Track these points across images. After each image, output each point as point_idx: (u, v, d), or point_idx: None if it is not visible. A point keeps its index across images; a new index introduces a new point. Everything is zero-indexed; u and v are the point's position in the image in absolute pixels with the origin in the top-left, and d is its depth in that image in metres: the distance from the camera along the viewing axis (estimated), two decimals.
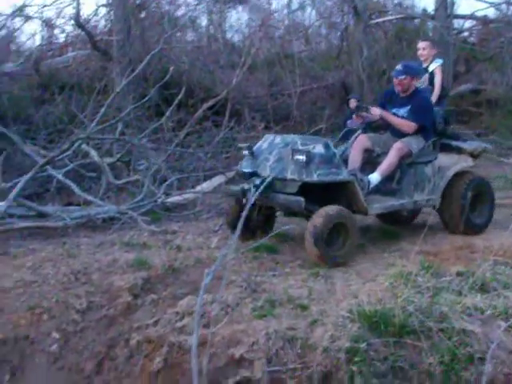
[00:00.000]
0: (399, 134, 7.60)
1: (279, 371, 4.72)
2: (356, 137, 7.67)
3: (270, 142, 7.27)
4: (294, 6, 18.52)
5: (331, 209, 6.60)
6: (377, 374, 4.59)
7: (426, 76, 8.87)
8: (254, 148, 7.33)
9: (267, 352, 4.78)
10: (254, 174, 7.00)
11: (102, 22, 15.85)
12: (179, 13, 15.53)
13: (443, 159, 7.86)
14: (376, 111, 7.57)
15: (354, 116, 8.03)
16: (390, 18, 17.69)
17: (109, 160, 10.30)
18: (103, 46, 14.02)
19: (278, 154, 6.98)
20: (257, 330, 4.95)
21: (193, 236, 7.75)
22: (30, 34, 16.31)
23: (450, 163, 7.91)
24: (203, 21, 16.57)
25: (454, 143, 8.11)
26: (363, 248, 6.99)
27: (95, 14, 15.73)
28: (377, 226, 8.10)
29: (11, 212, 7.95)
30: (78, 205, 8.85)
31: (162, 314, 5.46)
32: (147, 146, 10.82)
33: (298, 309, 5.41)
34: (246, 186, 6.92)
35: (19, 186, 7.91)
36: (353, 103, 10.39)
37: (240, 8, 17.27)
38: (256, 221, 7.43)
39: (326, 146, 6.81)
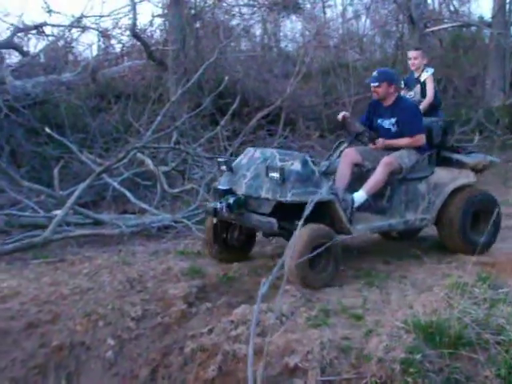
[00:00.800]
0: (391, 147, 7.15)
1: (333, 381, 4.70)
2: (342, 150, 7.20)
3: (249, 157, 6.89)
4: (349, 14, 18.54)
5: (312, 229, 6.16)
6: None
7: (418, 87, 8.42)
8: (234, 163, 6.96)
9: (321, 361, 4.77)
10: (228, 192, 6.65)
11: (158, 32, 16.04)
12: (234, 22, 15.63)
13: (441, 174, 7.27)
14: (381, 143, 7.13)
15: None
16: (445, 26, 17.49)
17: (164, 169, 10.39)
18: (159, 55, 14.14)
19: (255, 171, 6.64)
20: (311, 339, 4.94)
21: None
22: (87, 45, 16.47)
23: (449, 179, 7.30)
24: (257, 30, 16.65)
25: (455, 156, 7.50)
26: (418, 259, 6.85)
27: (151, 25, 15.92)
28: (432, 236, 7.90)
29: (68, 220, 8.07)
30: (134, 213, 8.95)
31: (216, 322, 5.48)
32: (202, 154, 10.89)
33: (353, 319, 5.39)
34: (218, 205, 6.53)
35: (76, 194, 8.03)
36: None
37: (294, 17, 17.29)
38: (236, 240, 7.09)
39: (304, 163, 6.36)
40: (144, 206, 9.03)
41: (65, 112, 12.13)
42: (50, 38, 16.03)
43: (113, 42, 16.70)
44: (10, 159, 10.95)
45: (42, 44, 16.05)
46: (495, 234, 7.34)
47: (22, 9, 21.01)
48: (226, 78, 11.45)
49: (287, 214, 6.30)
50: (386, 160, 6.87)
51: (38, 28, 15.77)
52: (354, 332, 5.10)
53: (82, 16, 15.93)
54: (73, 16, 15.88)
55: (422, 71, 8.43)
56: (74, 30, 16.39)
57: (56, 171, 9.44)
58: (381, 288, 6.10)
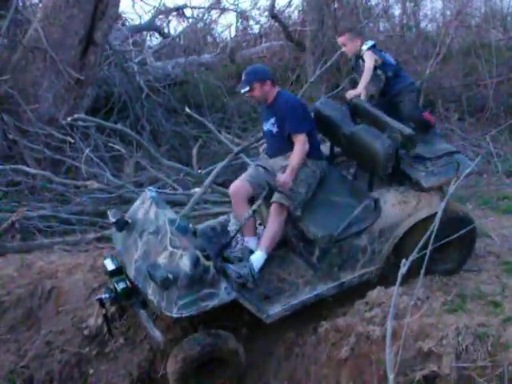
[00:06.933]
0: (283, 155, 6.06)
1: (468, 368, 4.62)
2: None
3: (144, 212, 5.65)
4: None
5: (198, 339, 5.14)
6: None
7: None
8: (130, 213, 5.82)
9: (456, 347, 4.71)
10: (117, 273, 5.48)
11: (296, 13, 16.07)
12: (372, 2, 15.44)
13: (389, 213, 5.73)
14: (281, 181, 5.68)
15: None
16: None
17: None
18: (297, 36, 14.18)
19: (146, 245, 5.37)
20: (446, 324, 4.88)
21: None
22: (226, 26, 16.72)
23: (401, 216, 5.74)
24: (396, 10, 16.38)
25: (414, 175, 5.86)
26: None
27: (289, 5, 15.96)
28: None
29: (206, 198, 8.23)
30: None
31: (350, 304, 5.49)
32: None
33: (490, 305, 5.28)
34: (102, 296, 5.44)
35: (214, 172, 8.16)
36: None
37: None
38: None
39: (195, 262, 4.91)
40: None
41: (204, 92, 12.36)
42: (190, 20, 16.38)
43: (251, 23, 16.90)
44: (151, 138, 11.25)
45: (182, 26, 16.43)
46: (464, 260, 6.13)
47: None
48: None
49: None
50: (275, 207, 5.68)
51: (179, 10, 16.15)
52: (490, 319, 4.99)
53: None
54: None
55: (361, 51, 6.95)
56: (213, 12, 16.70)
57: (195, 150, 9.68)
58: None
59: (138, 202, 5.85)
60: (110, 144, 9.86)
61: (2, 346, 6.01)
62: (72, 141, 9.35)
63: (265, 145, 6.68)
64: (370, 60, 6.79)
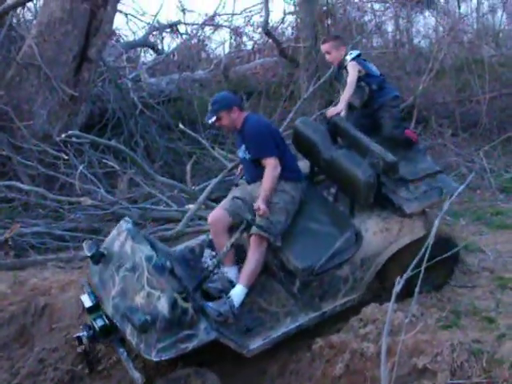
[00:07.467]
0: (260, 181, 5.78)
1: None
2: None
3: (120, 244, 5.43)
4: (484, 9, 18.03)
5: (178, 380, 4.96)
6: None
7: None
8: (106, 244, 5.61)
9: (451, 364, 4.69)
10: (95, 308, 5.26)
11: (289, 30, 16.12)
12: (366, 18, 15.52)
13: (370, 241, 5.64)
14: (261, 210, 5.46)
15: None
16: None
17: None
18: (290, 53, 14.22)
19: (123, 281, 5.19)
20: (441, 340, 4.86)
21: None
22: (220, 42, 16.80)
23: (382, 245, 5.67)
24: (389, 26, 16.46)
25: (397, 201, 5.70)
26: None
27: (282, 22, 16.02)
28: None
29: (200, 214, 8.23)
30: None
31: (344, 320, 5.47)
32: None
33: (485, 321, 5.28)
34: (80, 333, 5.27)
35: (208, 189, 8.20)
36: None
37: (427, 13, 17.01)
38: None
39: (173, 305, 4.78)
40: None
41: (198, 108, 12.37)
42: (184, 37, 16.44)
43: (245, 39, 16.96)
44: (145, 154, 11.27)
45: (175, 42, 16.51)
46: (446, 278, 6.13)
47: (156, 8, 21.50)
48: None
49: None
50: (254, 239, 5.52)
51: (173, 27, 16.22)
52: (485, 335, 4.98)
53: (215, 14, 16.27)
54: (206, 14, 16.26)
55: (345, 60, 6.69)
56: (206, 28, 16.78)
57: (188, 166, 9.70)
58: None
59: (113, 233, 5.62)
60: (104, 160, 9.89)
61: None
62: (66, 157, 9.35)
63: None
64: (353, 71, 6.50)
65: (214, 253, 5.88)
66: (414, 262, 2.98)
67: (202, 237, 6.29)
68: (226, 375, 5.22)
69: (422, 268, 3.05)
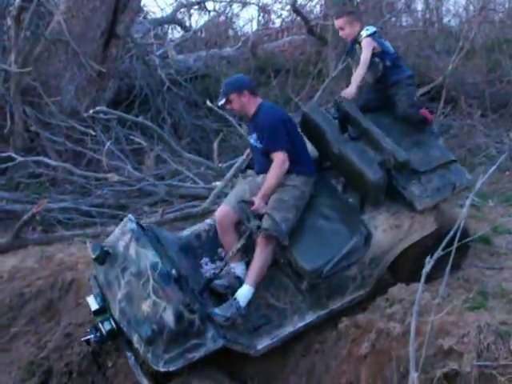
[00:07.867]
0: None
1: (489, 366, 4.57)
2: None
3: (125, 245, 5.31)
4: None
5: None
6: None
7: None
8: (110, 242, 5.46)
9: (477, 346, 4.65)
10: (102, 311, 5.19)
11: (318, 7, 16.01)
12: None
13: (380, 239, 5.48)
14: (257, 204, 5.40)
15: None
16: None
17: None
18: (318, 30, 14.11)
19: (128, 285, 5.12)
20: (468, 322, 4.82)
21: None
22: (248, 20, 16.71)
23: (391, 242, 5.51)
24: (419, 5, 16.30)
25: (408, 196, 5.49)
26: None
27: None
28: None
29: (227, 191, 8.22)
30: None
31: (371, 300, 5.46)
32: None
33: None
34: (88, 337, 5.25)
35: (235, 166, 8.16)
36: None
37: None
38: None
39: (179, 317, 4.77)
40: None
41: None
42: (212, 14, 16.36)
43: (273, 16, 16.84)
44: (172, 131, 11.28)
45: (203, 19, 16.42)
46: (463, 257, 5.91)
47: None
48: None
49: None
50: (262, 238, 5.36)
51: (200, 3, 16.13)
52: None
53: None
54: None
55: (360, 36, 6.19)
56: (234, 5, 16.68)
57: (215, 144, 9.68)
58: None
59: (117, 232, 5.49)
60: (131, 137, 9.91)
61: (23, 338, 6.04)
62: (93, 133, 9.39)
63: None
64: (367, 49, 6.02)
65: (211, 262, 5.85)
66: (441, 246, 2.91)
67: (208, 221, 6.13)
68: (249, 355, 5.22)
69: (452, 251, 2.97)
